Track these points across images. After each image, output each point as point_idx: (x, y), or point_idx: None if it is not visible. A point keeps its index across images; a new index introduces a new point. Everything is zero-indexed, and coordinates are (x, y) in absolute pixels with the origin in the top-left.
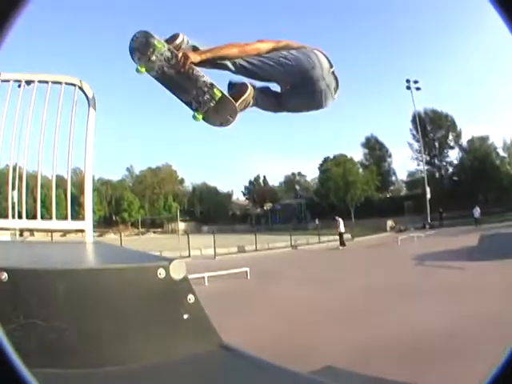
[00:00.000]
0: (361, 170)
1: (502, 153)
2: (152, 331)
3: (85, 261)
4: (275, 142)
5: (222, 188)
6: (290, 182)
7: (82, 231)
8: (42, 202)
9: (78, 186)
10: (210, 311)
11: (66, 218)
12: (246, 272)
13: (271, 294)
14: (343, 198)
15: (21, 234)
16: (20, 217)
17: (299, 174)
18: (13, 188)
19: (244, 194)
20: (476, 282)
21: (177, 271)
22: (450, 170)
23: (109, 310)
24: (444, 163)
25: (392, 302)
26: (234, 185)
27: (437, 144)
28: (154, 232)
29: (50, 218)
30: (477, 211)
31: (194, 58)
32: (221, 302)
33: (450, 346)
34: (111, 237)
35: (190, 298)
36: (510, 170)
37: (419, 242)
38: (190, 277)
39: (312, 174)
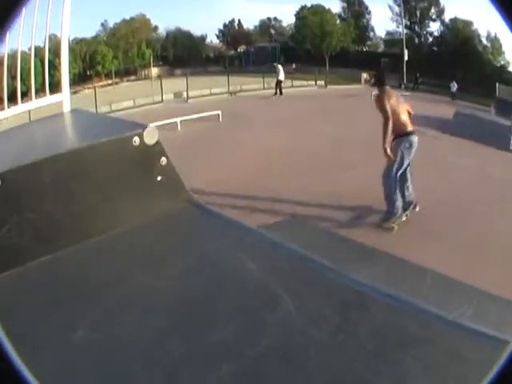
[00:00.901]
0: (338, 21)
1: (485, 42)
2: (130, 196)
3: (65, 141)
4: None
5: (196, 32)
6: (265, 26)
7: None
8: (20, 78)
9: (54, 52)
10: (183, 156)
11: (44, 90)
12: (218, 115)
13: (242, 138)
14: (319, 46)
15: None
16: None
17: (275, 19)
18: None
19: (218, 37)
20: (447, 155)
21: (150, 137)
22: (430, 39)
23: (91, 184)
24: (424, 32)
25: (362, 153)
26: (208, 28)
27: (418, 13)
28: (128, 80)
29: (29, 98)
30: (454, 86)
31: None
32: (193, 147)
33: None
34: (86, 92)
35: (163, 160)
36: (492, 60)
37: None
38: (162, 123)
39: (288, 19)
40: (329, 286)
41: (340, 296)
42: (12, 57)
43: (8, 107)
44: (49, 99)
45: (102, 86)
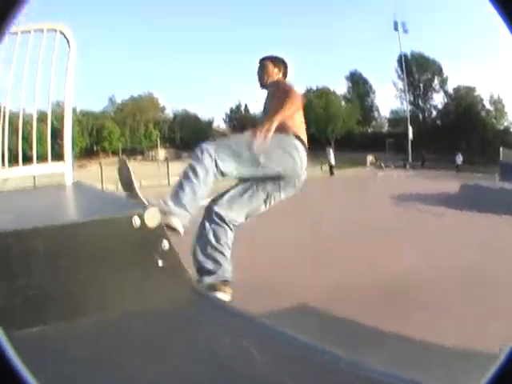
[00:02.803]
0: (343, 103)
1: (488, 106)
2: (128, 280)
3: (62, 214)
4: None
5: (203, 115)
6: None
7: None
8: (23, 138)
9: (60, 119)
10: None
11: (46, 158)
12: None
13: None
14: (324, 130)
15: None
16: (3, 164)
17: None
18: None
19: (225, 122)
20: (453, 231)
21: (151, 219)
22: (434, 113)
23: (86, 261)
24: (428, 106)
25: (365, 243)
26: (214, 112)
27: (421, 86)
28: (134, 160)
29: (31, 161)
30: (459, 158)
31: None
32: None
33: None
34: (91, 168)
35: (165, 244)
36: (495, 124)
37: (398, 181)
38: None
39: None
40: (340, 376)
41: None
42: (17, 117)
43: (9, 167)
44: (51, 167)
45: (109, 164)
